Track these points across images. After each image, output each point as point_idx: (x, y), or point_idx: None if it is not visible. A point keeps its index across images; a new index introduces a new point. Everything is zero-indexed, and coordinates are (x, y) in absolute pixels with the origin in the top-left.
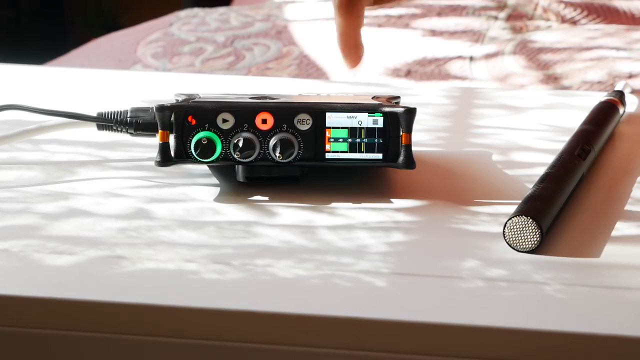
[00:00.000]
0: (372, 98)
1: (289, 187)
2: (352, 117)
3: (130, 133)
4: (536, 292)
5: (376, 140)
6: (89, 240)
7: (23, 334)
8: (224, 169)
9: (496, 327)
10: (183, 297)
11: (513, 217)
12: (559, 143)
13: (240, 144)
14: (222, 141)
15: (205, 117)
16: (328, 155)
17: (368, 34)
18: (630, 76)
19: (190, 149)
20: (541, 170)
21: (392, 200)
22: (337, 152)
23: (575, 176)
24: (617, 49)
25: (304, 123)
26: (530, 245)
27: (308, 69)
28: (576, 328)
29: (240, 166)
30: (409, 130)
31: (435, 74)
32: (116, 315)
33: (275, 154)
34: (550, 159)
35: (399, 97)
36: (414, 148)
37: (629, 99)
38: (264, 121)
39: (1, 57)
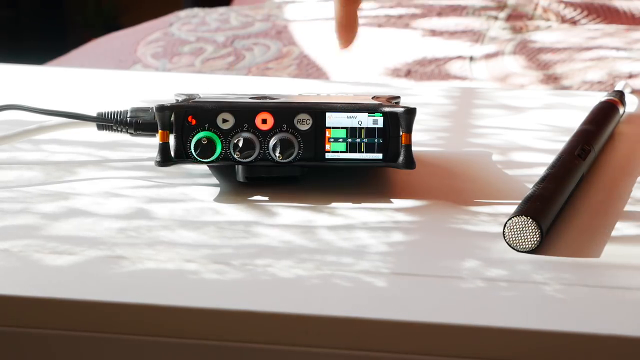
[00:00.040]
0: (372, 98)
1: (289, 187)
2: (352, 117)
3: (130, 133)
4: (536, 292)
5: (376, 140)
6: (89, 240)
7: (23, 334)
8: (224, 169)
9: (496, 327)
10: (183, 297)
11: (513, 217)
12: (559, 143)
13: (240, 144)
14: (222, 141)
15: (205, 117)
16: (328, 155)
17: (368, 34)
18: (630, 76)
19: (190, 149)
20: (541, 170)
21: (392, 200)
22: (337, 152)
23: (575, 176)
24: (617, 49)
25: (304, 123)
26: (530, 245)
27: (308, 69)
28: (576, 328)
29: (240, 166)
30: (409, 130)
31: (435, 74)
32: (116, 315)
33: (275, 154)
34: (550, 159)
35: (399, 97)
36: (414, 148)
37: (629, 99)
38: (264, 121)
39: (1, 57)
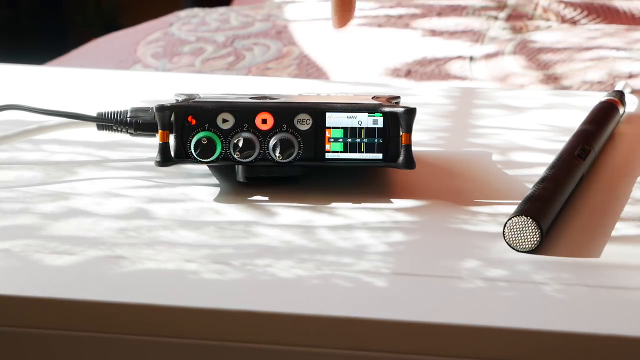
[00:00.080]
0: (372, 98)
1: (289, 187)
2: (352, 117)
3: (130, 133)
4: (536, 292)
5: (376, 140)
6: (89, 240)
7: (23, 334)
8: (224, 169)
9: (496, 327)
10: (183, 297)
11: (513, 217)
12: (559, 143)
13: (240, 144)
14: (222, 141)
15: (205, 117)
16: (328, 155)
17: (368, 34)
18: (630, 76)
19: (190, 149)
20: (541, 170)
21: (392, 200)
22: (337, 152)
23: (575, 176)
24: (617, 49)
25: (304, 123)
26: (530, 245)
27: (308, 69)
28: (576, 328)
29: (240, 166)
30: (409, 130)
31: (435, 74)
32: (116, 315)
33: (275, 154)
34: (550, 159)
35: (399, 97)
36: (414, 148)
37: (629, 99)
38: (264, 121)
39: (1, 57)
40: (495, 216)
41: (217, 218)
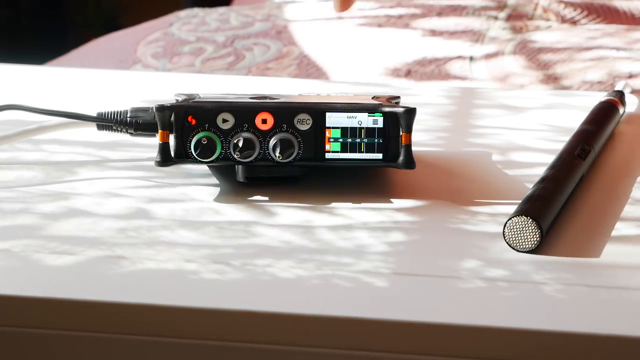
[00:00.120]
0: (372, 98)
1: (289, 187)
2: (352, 117)
3: (130, 133)
4: (536, 292)
5: (376, 140)
6: (89, 240)
7: (23, 334)
8: (224, 169)
9: (496, 327)
10: (183, 297)
11: (513, 217)
12: (559, 143)
13: (240, 144)
14: (222, 141)
15: (205, 117)
16: (328, 155)
17: (368, 34)
18: (630, 76)
19: (190, 149)
20: (541, 170)
21: (392, 200)
22: (337, 152)
23: (575, 176)
24: (617, 49)
25: (304, 123)
26: (530, 245)
27: (308, 69)
28: (576, 328)
29: (240, 166)
30: (409, 130)
31: (435, 74)
32: (116, 315)
33: (275, 154)
34: (550, 159)
35: (399, 97)
36: (414, 148)
37: (629, 99)
38: (264, 121)
39: (1, 57)
40: (495, 216)
41: (217, 218)
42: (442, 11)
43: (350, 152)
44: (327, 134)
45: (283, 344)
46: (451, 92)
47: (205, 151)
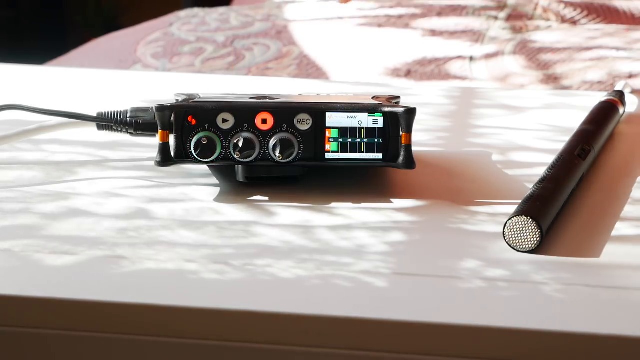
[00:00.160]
0: (372, 98)
1: (289, 187)
2: (352, 117)
3: (130, 133)
4: (536, 292)
5: (376, 140)
6: (89, 240)
7: (23, 334)
8: (224, 169)
9: (496, 327)
10: (183, 297)
11: (513, 217)
12: (559, 143)
13: (240, 144)
14: (222, 141)
15: (205, 117)
16: (328, 155)
17: (368, 34)
18: (630, 76)
19: (190, 149)
20: (541, 170)
21: (392, 200)
22: (337, 152)
23: (575, 176)
24: (617, 49)
25: (304, 123)
26: (530, 245)
27: (308, 69)
28: (576, 328)
29: (240, 166)
30: (409, 130)
31: (435, 74)
32: (116, 315)
33: (275, 154)
34: (550, 159)
35: (399, 97)
36: (414, 148)
37: (629, 99)
38: (264, 121)
39: (1, 57)
40: (495, 216)
41: (217, 218)
42: (442, 11)
43: (350, 152)
44: (327, 134)
45: (283, 344)
46: (451, 92)
47: (205, 151)
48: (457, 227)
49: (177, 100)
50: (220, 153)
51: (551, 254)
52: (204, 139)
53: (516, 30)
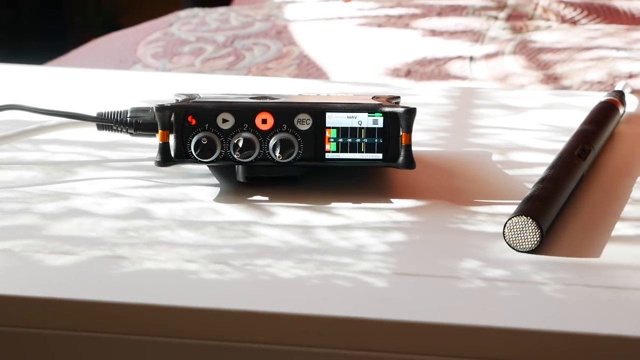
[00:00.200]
0: (372, 98)
1: (289, 187)
2: (352, 117)
3: (130, 133)
4: (535, 292)
5: (376, 140)
6: (89, 240)
7: (23, 334)
8: (224, 169)
9: (496, 327)
10: (183, 297)
11: (513, 217)
12: (559, 143)
13: (240, 144)
14: (222, 141)
15: (205, 117)
16: (328, 155)
17: (368, 34)
18: (630, 76)
19: (190, 149)
20: (541, 170)
21: (392, 200)
22: (337, 152)
23: (575, 176)
24: (617, 49)
25: (304, 123)
26: (530, 245)
27: (308, 69)
28: (576, 328)
29: (240, 166)
30: (409, 130)
31: (435, 74)
32: (116, 315)
33: (275, 154)
34: (550, 159)
35: (399, 97)
36: (414, 148)
37: (629, 99)
38: (264, 121)
39: (1, 57)
40: (495, 216)
41: (217, 218)
42: (442, 11)
43: (350, 152)
44: (327, 134)
45: (283, 344)
46: (451, 92)
47: (205, 151)
48: (457, 227)
49: (177, 100)
50: (220, 153)
51: (551, 254)
52: (204, 139)
53: (516, 30)
